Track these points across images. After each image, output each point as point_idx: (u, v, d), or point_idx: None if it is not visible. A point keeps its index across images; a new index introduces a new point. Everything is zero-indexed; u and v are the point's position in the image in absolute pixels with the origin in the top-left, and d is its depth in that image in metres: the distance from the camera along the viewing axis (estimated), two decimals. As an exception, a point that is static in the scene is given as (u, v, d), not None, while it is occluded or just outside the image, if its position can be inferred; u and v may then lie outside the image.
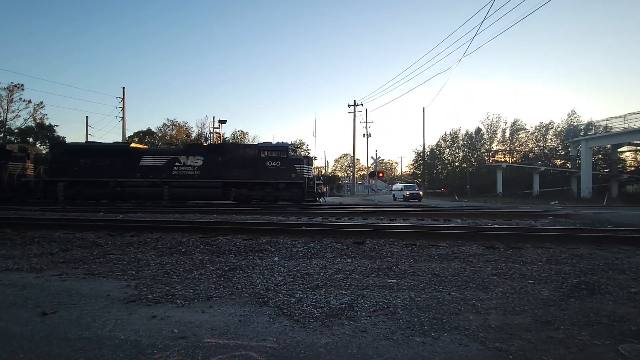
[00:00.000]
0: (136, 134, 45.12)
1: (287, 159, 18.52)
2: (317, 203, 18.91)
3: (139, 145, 21.63)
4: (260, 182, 18.39)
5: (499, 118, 47.89)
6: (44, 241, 6.47)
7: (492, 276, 4.36)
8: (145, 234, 6.96)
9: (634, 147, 37.69)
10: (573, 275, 4.35)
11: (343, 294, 3.64)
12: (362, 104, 35.89)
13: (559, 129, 45.55)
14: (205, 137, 45.45)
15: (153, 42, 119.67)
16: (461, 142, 48.75)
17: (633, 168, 39.38)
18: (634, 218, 10.49)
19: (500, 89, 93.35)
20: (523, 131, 47.40)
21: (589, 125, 39.47)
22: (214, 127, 29.84)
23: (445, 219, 10.85)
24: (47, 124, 39.87)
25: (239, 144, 19.61)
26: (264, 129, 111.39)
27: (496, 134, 48.09)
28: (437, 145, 50.29)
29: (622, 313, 3.22)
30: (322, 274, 4.41)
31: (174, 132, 48.93)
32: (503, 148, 47.84)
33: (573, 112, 45.45)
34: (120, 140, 30.82)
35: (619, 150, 36.78)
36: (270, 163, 18.37)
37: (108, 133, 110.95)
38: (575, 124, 43.56)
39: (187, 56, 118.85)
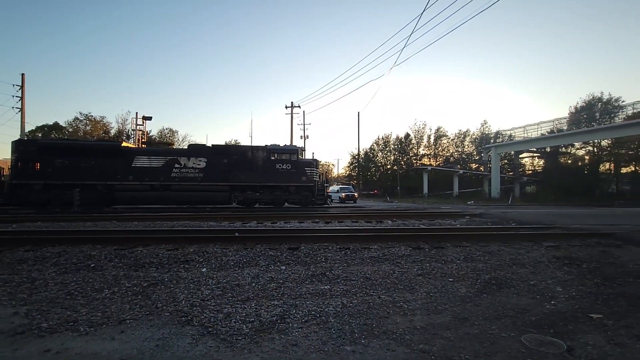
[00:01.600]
0: (40, 129, 39.45)
1: (297, 161, 18.46)
2: (325, 206, 18.85)
3: (130, 145, 19.27)
4: (270, 186, 18.13)
5: (424, 125, 52.15)
6: None
7: (418, 276, 4.62)
8: (45, 247, 5.99)
9: (531, 154, 43.98)
10: (485, 272, 4.82)
11: (275, 305, 3.53)
12: (299, 106, 35.95)
13: (474, 136, 51.21)
14: (127, 134, 41.57)
15: (62, 24, 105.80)
16: (392, 146, 51.95)
17: (530, 172, 45.92)
18: (531, 216, 12.12)
19: (427, 97, 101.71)
20: (445, 137, 52.28)
21: (498, 133, 45.05)
22: (137, 124, 27.33)
23: (377, 221, 11.29)
24: None
25: (246, 145, 18.93)
26: (196, 128, 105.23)
27: (422, 139, 52.26)
28: (371, 148, 52.93)
29: (523, 305, 3.64)
30: (253, 284, 4.24)
31: (88, 128, 43.86)
32: (429, 152, 52.12)
33: (485, 122, 51.51)
34: (19, 135, 26.56)
35: (520, 156, 42.57)
36: (280, 166, 18.16)
37: (2, 126, 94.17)
38: (486, 132, 49.35)
39: (106, 46, 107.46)
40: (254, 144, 20.58)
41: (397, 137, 52.21)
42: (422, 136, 52.04)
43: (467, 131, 51.88)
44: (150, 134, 43.39)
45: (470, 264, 5.27)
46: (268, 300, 3.68)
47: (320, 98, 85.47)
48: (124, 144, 18.80)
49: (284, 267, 5.02)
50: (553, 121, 35.86)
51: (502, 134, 43.36)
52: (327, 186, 19.80)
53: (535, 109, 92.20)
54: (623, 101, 35.21)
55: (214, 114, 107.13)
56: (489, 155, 40.52)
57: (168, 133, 50.05)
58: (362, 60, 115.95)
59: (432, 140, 52.19)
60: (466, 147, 51.73)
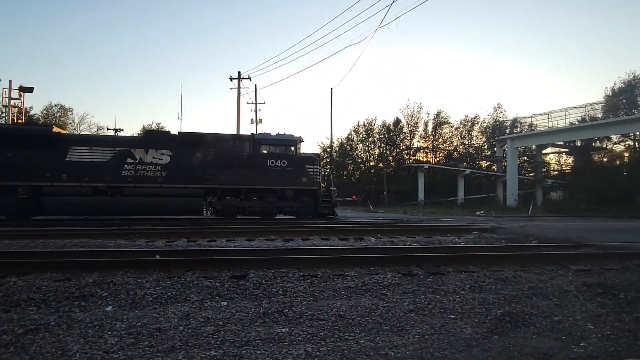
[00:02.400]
0: None
1: (295, 157, 18.99)
2: (332, 216, 19.70)
3: (61, 130, 18.76)
4: (259, 189, 18.50)
5: (420, 107, 53.42)
6: None
7: (409, 313, 4.74)
8: None
9: (557, 149, 46.44)
10: (497, 305, 5.04)
11: (212, 357, 3.49)
12: (249, 78, 35.63)
13: (485, 124, 53.33)
14: (-4, 111, 39.26)
15: None
16: (377, 136, 52.82)
17: (557, 173, 48.49)
18: (556, 230, 12.86)
19: (424, 71, 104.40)
20: (447, 125, 53.92)
21: (515, 122, 47.17)
22: (10, 97, 25.90)
23: (356, 237, 11.56)
24: None
25: (226, 134, 19.59)
26: (101, 107, 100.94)
27: (417, 127, 53.57)
28: (348, 138, 53.44)
29: (545, 348, 3.84)
30: (181, 327, 4.17)
31: None
32: (425, 145, 53.62)
33: (499, 106, 53.63)
34: None
35: (543, 152, 44.92)
36: (273, 162, 18.62)
37: None
38: (501, 119, 51.58)
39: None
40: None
41: (384, 124, 53.26)
42: (416, 123, 53.38)
43: (475, 117, 53.80)
44: (32, 112, 41.28)
45: (477, 295, 5.49)
46: (202, 350, 3.62)
47: (279, 68, 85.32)
48: (55, 129, 18.37)
49: (225, 303, 4.99)
50: (585, 106, 37.96)
51: (520, 122, 45.50)
52: (333, 190, 20.50)
53: (563, 92, 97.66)
54: (671, 81, 37.97)
55: (127, 91, 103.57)
56: (504, 150, 42.37)
57: (58, 111, 47.94)
58: (337, 18, 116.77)
59: (430, 128, 53.75)
60: (474, 138, 53.81)
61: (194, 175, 17.76)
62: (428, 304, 5.07)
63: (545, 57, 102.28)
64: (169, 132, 18.68)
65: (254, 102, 38.09)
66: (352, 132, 53.78)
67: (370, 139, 52.85)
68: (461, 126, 54.00)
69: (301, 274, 6.32)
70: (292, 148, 19.14)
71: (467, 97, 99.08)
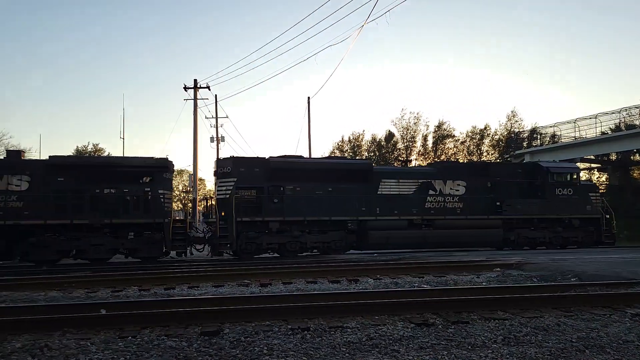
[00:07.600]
0: None
1: (580, 185, 23.57)
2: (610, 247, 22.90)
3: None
4: (549, 218, 22.58)
5: (417, 119, 54.40)
6: None
7: (430, 375, 4.63)
8: None
9: (587, 164, 47.45)
10: (542, 362, 4.96)
11: None
12: (208, 87, 35.52)
13: (497, 136, 54.40)
14: None
15: None
16: (366, 154, 53.35)
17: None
18: (598, 264, 12.95)
19: (422, 75, 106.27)
20: (451, 139, 54.92)
21: (533, 133, 48.17)
22: None
23: (350, 279, 11.55)
24: None
25: (510, 163, 25.31)
26: (19, 123, 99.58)
27: (415, 140, 54.44)
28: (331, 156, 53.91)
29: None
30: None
31: None
32: (425, 162, 54.34)
33: (514, 114, 54.80)
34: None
35: (570, 169, 45.78)
36: (560, 191, 22.74)
37: None
38: (516, 129, 52.70)
39: None
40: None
41: (374, 139, 53.96)
42: (414, 136, 54.30)
43: (485, 128, 54.96)
44: None
45: (514, 349, 5.41)
46: None
47: (244, 75, 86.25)
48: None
49: (193, 370, 4.81)
50: (619, 111, 38.93)
51: (540, 133, 46.46)
52: (610, 218, 24.07)
53: (591, 97, 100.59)
54: None
55: (53, 105, 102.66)
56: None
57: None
58: (314, 13, 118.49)
59: (429, 143, 54.58)
60: (485, 154, 54.78)
61: (487, 206, 21.78)
62: (453, 362, 4.96)
63: (569, 54, 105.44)
64: (461, 162, 23.58)
65: (214, 115, 38.09)
66: (336, 150, 54.26)
67: (357, 157, 53.36)
68: (468, 139, 55.10)
69: (289, 326, 6.25)
70: (576, 176, 23.84)
71: (475, 105, 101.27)
